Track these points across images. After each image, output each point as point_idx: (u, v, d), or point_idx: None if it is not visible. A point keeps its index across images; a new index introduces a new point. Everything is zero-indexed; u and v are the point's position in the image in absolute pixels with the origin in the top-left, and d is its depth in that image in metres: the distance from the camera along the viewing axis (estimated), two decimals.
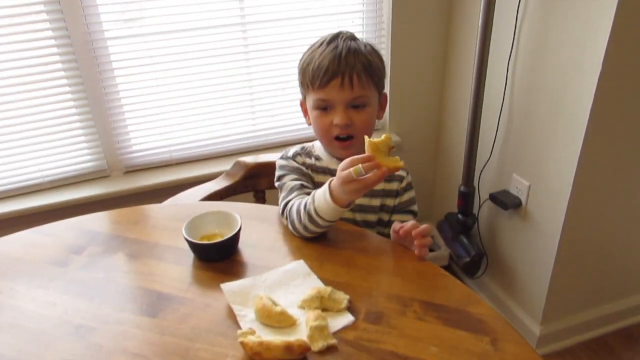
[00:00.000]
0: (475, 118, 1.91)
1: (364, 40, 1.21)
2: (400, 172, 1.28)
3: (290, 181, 1.21)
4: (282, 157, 1.28)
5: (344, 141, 1.19)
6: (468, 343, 0.85)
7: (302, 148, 1.29)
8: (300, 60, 1.22)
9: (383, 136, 1.00)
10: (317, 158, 1.28)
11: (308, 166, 1.27)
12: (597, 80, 1.47)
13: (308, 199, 1.09)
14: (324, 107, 1.18)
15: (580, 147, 1.57)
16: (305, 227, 1.08)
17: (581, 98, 1.54)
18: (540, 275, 1.87)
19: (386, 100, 1.28)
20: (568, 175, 1.64)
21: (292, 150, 1.29)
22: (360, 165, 0.97)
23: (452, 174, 2.30)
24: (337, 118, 1.16)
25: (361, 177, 0.97)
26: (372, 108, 1.20)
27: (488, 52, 1.81)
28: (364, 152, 1.07)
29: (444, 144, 2.34)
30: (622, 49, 1.45)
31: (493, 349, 0.83)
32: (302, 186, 1.19)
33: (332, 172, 1.24)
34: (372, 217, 1.28)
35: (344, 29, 1.23)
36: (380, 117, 1.26)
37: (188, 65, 1.90)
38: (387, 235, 1.19)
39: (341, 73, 1.13)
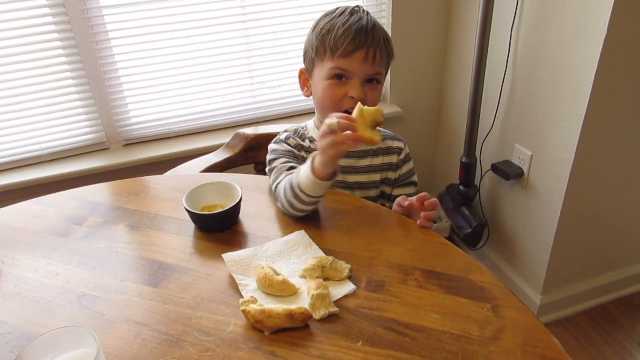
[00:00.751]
0: (477, 88, 1.89)
1: None
2: (398, 144, 1.27)
3: (280, 164, 1.19)
4: (274, 141, 1.25)
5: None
6: (469, 310, 0.85)
7: (295, 131, 1.26)
8: (315, 27, 1.18)
9: (374, 108, 0.98)
10: (311, 140, 1.25)
11: (301, 148, 1.24)
12: (602, 45, 1.45)
13: (292, 175, 1.08)
14: (340, 76, 1.15)
15: (584, 114, 1.56)
16: (290, 204, 1.06)
17: (585, 64, 1.52)
18: (541, 245, 1.88)
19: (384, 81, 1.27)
20: (571, 144, 1.63)
21: (284, 134, 1.26)
22: (337, 120, 0.96)
23: (453, 145, 2.29)
24: (354, 91, 1.13)
25: (332, 131, 0.96)
26: (381, 87, 1.20)
27: (491, 20, 1.78)
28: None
29: (445, 114, 2.32)
30: (628, 11, 1.42)
31: (494, 315, 0.84)
32: (292, 167, 1.17)
33: None
34: (373, 193, 1.27)
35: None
36: None
37: (186, 36, 1.88)
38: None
39: (367, 46, 1.12)
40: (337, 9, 1.17)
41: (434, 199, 1.06)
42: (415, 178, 1.30)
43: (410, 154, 1.30)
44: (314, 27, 1.19)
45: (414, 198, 1.07)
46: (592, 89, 1.52)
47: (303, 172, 1.04)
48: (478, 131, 1.99)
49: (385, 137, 1.27)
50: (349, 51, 1.12)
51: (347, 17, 1.14)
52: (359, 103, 1.00)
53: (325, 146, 0.98)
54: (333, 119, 0.97)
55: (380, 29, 1.15)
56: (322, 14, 1.20)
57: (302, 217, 1.08)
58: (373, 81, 1.16)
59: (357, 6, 1.18)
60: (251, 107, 2.08)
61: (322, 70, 1.17)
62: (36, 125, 1.84)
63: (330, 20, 1.15)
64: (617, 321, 2.01)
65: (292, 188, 1.05)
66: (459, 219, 2.12)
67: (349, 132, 0.96)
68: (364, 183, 1.25)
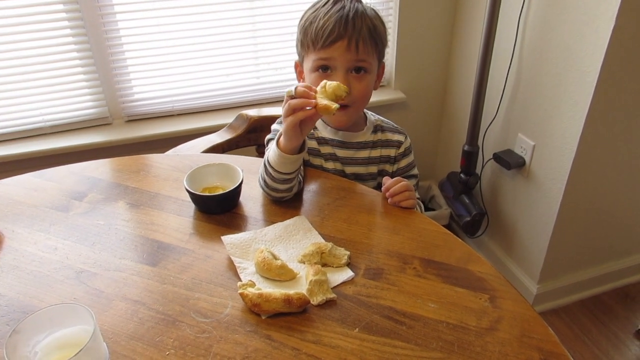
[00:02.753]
0: (482, 76, 1.88)
1: (368, 5, 1.17)
2: (398, 137, 1.26)
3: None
4: (277, 122, 1.24)
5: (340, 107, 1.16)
6: (466, 300, 0.85)
7: None
8: (302, 19, 1.17)
9: (336, 83, 0.98)
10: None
11: None
12: (609, 36, 1.43)
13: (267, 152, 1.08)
14: (324, 68, 1.14)
15: (589, 105, 1.55)
16: (265, 183, 1.07)
17: (592, 55, 1.50)
18: (540, 234, 1.88)
19: (383, 69, 1.24)
20: (574, 135, 1.62)
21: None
22: (294, 86, 0.97)
23: (456, 133, 2.28)
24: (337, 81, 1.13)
25: (289, 96, 0.97)
26: (371, 76, 1.17)
27: (499, 8, 1.76)
28: (358, 121, 1.09)
29: (449, 101, 2.31)
30: (637, 3, 1.40)
31: (491, 306, 0.84)
32: None
33: (326, 141, 1.22)
34: (370, 185, 1.26)
35: None
36: (376, 86, 1.22)
37: (192, 13, 1.86)
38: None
39: (348, 35, 1.09)
40: None
41: (394, 188, 1.07)
42: (415, 171, 1.29)
43: (411, 147, 1.29)
44: (300, 20, 1.17)
45: (386, 184, 1.09)
46: (597, 80, 1.50)
47: (272, 147, 1.05)
48: (481, 120, 1.97)
49: (385, 129, 1.26)
50: (330, 41, 1.10)
51: (329, 8, 1.11)
52: (325, 80, 1.00)
53: (284, 114, 0.99)
54: (291, 88, 0.97)
55: (364, 16, 1.11)
56: (309, 4, 1.18)
57: (305, 198, 1.09)
58: (360, 71, 1.14)
59: None
60: (255, 88, 2.06)
61: (308, 63, 1.16)
62: (39, 97, 1.83)
63: (314, 12, 1.13)
64: (612, 311, 2.02)
65: (264, 164, 1.06)
66: (459, 207, 2.12)
67: (303, 99, 0.96)
68: (362, 175, 1.25)
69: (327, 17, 1.10)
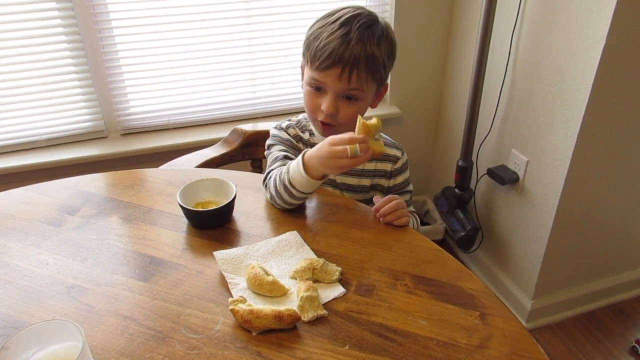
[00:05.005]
0: (476, 92, 1.89)
1: (383, 24, 1.15)
2: (395, 152, 1.26)
3: (277, 151, 1.20)
4: (275, 127, 1.26)
5: (326, 125, 1.17)
6: (457, 317, 0.85)
7: (298, 122, 1.27)
8: (311, 27, 1.16)
9: (374, 119, 1.00)
10: (311, 133, 1.26)
11: (299, 140, 1.25)
12: (600, 55, 1.45)
13: (284, 169, 1.08)
14: (317, 87, 1.15)
15: (581, 122, 1.56)
16: (281, 198, 1.07)
17: (584, 73, 1.52)
18: (534, 250, 1.88)
19: (386, 89, 1.24)
20: (567, 151, 1.63)
21: (286, 122, 1.27)
22: (358, 145, 0.97)
23: (450, 148, 2.29)
24: (325, 105, 1.13)
25: (352, 156, 0.97)
26: (364, 102, 1.17)
27: (492, 25, 1.78)
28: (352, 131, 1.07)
29: (444, 117, 2.32)
30: (626, 23, 1.43)
31: (482, 324, 0.84)
32: (286, 157, 1.18)
33: None
34: (360, 197, 1.27)
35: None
36: (374, 105, 1.23)
37: (189, 28, 1.87)
38: None
39: (343, 64, 1.09)
40: (339, 11, 1.13)
41: (383, 209, 1.07)
42: (410, 187, 1.30)
43: (407, 163, 1.29)
44: (310, 27, 1.17)
45: (376, 205, 1.09)
46: (589, 97, 1.52)
47: (296, 169, 1.05)
48: (475, 135, 1.99)
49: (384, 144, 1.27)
50: (324, 67, 1.10)
51: (335, 28, 1.09)
52: (360, 120, 1.00)
53: (340, 167, 1.00)
54: (356, 146, 0.97)
55: (367, 44, 1.09)
56: (325, 12, 1.17)
57: (298, 214, 1.09)
58: (352, 98, 1.14)
59: (359, 13, 1.13)
60: (251, 102, 2.07)
61: (306, 74, 1.17)
62: (35, 110, 1.83)
63: (322, 26, 1.12)
64: (607, 328, 2.02)
65: (283, 182, 1.06)
66: (453, 222, 2.12)
67: (364, 153, 0.98)
68: (353, 186, 1.25)
69: (329, 39, 1.09)
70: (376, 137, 1.03)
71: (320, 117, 1.16)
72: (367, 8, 1.18)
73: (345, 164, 0.99)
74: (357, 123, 0.99)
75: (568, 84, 1.58)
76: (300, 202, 1.09)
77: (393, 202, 1.08)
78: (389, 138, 1.30)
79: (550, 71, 1.65)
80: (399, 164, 1.27)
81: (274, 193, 1.09)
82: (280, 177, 1.07)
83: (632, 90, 1.57)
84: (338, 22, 1.10)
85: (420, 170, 2.44)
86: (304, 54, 1.18)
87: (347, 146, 0.97)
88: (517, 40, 1.77)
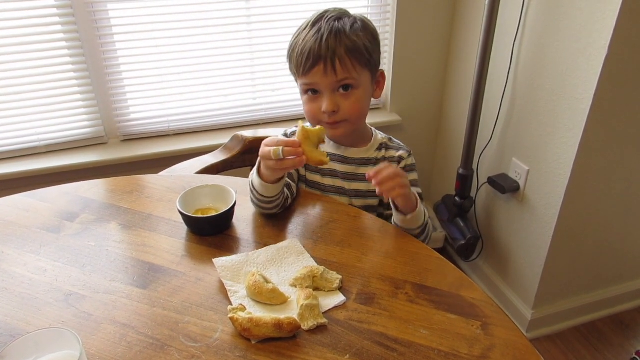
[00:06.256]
0: (477, 100, 1.89)
1: (356, 15, 1.16)
2: (400, 154, 1.25)
3: None
4: (283, 134, 1.27)
5: (333, 124, 1.17)
6: (458, 327, 0.84)
7: (294, 133, 1.27)
8: (289, 45, 1.18)
9: (318, 127, 1.01)
10: None
11: None
12: (602, 64, 1.45)
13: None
14: (313, 91, 1.15)
15: (582, 131, 1.56)
16: (252, 202, 1.11)
17: (586, 82, 1.52)
18: (534, 260, 1.87)
19: (384, 77, 1.23)
20: (568, 160, 1.63)
21: (292, 128, 1.27)
22: (281, 148, 0.98)
23: (451, 156, 2.29)
24: (324, 105, 1.13)
25: (279, 159, 0.98)
26: (362, 90, 1.16)
27: (494, 33, 1.78)
28: (355, 131, 1.09)
29: (444, 125, 2.32)
30: (629, 33, 1.43)
31: (483, 334, 0.83)
32: None
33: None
34: (371, 202, 1.25)
35: (339, 5, 1.19)
36: (377, 95, 1.22)
37: (190, 34, 1.87)
38: (387, 217, 1.18)
39: (323, 58, 1.09)
40: (307, 19, 1.15)
41: (382, 174, 1.02)
42: (418, 190, 1.28)
43: (414, 165, 1.27)
44: (288, 46, 1.18)
45: (375, 168, 1.06)
46: (590, 106, 1.52)
47: (254, 173, 1.08)
48: (476, 143, 1.98)
49: (390, 147, 1.26)
50: (308, 68, 1.11)
51: (307, 32, 1.12)
52: (300, 124, 1.01)
53: (271, 167, 1.02)
54: (278, 148, 0.98)
55: (340, 35, 1.09)
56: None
57: (298, 221, 1.10)
58: (348, 88, 1.14)
59: (325, 12, 1.14)
60: (251, 109, 2.07)
61: (299, 87, 1.18)
62: (35, 116, 1.82)
63: (296, 38, 1.15)
64: (607, 339, 2.00)
65: (249, 185, 1.10)
66: (454, 230, 2.11)
67: (295, 157, 0.99)
68: (363, 191, 1.24)
69: (304, 43, 1.11)
70: (319, 147, 1.02)
71: (325, 119, 1.15)
72: (369, 18, 1.18)
73: (272, 166, 1.01)
74: (297, 128, 1.01)
75: (570, 93, 1.58)
76: (270, 205, 1.09)
77: (393, 168, 1.03)
78: (397, 141, 1.29)
79: (551, 80, 1.64)
80: (402, 165, 1.25)
81: (250, 195, 1.11)
82: (249, 181, 1.10)
83: (634, 100, 1.57)
84: (309, 26, 1.13)
85: (420, 178, 2.41)
86: (290, 69, 1.19)
87: (271, 148, 0.98)
88: (518, 48, 1.77)
